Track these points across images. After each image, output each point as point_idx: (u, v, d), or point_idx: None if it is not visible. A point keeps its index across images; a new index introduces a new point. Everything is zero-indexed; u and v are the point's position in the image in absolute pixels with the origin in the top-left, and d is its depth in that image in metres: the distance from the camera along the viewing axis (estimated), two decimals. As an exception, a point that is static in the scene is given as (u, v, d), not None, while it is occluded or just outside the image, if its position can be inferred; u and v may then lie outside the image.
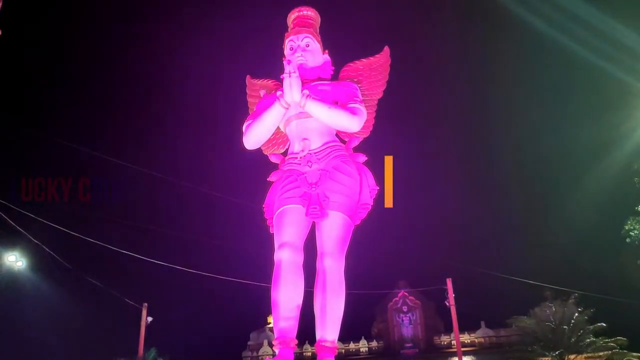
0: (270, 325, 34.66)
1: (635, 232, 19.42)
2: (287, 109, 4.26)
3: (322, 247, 4.08)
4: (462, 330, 34.74)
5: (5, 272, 19.47)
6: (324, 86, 4.47)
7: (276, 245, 4.12)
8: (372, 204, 4.39)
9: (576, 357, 29.03)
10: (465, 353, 35.62)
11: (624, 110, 19.70)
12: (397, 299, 42.80)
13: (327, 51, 4.75)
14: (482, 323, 40.73)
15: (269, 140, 4.71)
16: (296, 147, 4.41)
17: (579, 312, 28.66)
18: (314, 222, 4.19)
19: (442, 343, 40.75)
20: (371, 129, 4.75)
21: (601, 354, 29.48)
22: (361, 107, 4.37)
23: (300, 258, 4.08)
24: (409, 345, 41.11)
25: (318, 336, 3.93)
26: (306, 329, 4.20)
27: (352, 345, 42.11)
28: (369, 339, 42.92)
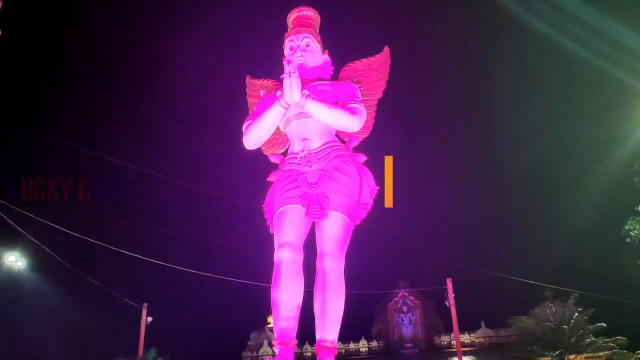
0: (270, 325, 34.65)
1: (635, 232, 19.43)
2: (287, 109, 4.26)
3: (322, 247, 4.08)
4: (462, 330, 34.76)
5: (5, 272, 19.47)
6: (323, 86, 4.47)
7: (276, 245, 4.12)
8: (372, 204, 4.38)
9: (576, 357, 29.05)
10: (465, 353, 35.63)
11: (624, 110, 19.71)
12: (397, 299, 42.83)
13: (327, 51, 4.75)
14: (482, 323, 40.77)
15: (269, 140, 4.71)
16: (296, 147, 4.40)
17: (579, 312, 28.69)
18: (314, 222, 4.19)
19: (442, 343, 40.77)
20: (371, 129, 4.74)
21: (601, 354, 29.51)
22: (361, 107, 4.37)
23: (300, 258, 4.07)
24: (409, 345, 41.14)
25: (318, 336, 3.93)
26: (306, 329, 4.20)
27: (352, 345, 42.14)
28: (369, 339, 42.95)
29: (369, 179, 4.42)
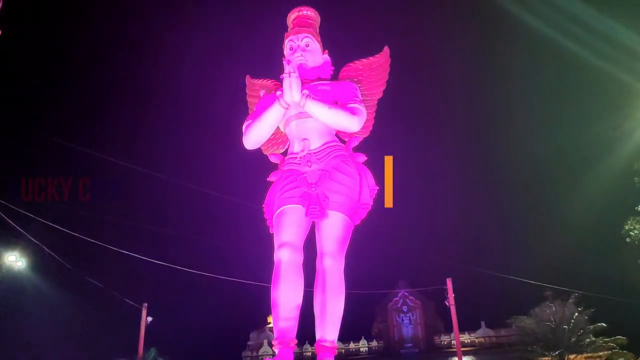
0: (270, 325, 34.65)
1: (635, 232, 19.43)
2: (287, 109, 4.26)
3: (322, 247, 4.08)
4: (462, 330, 34.78)
5: (5, 272, 19.48)
6: (323, 86, 4.46)
7: (276, 245, 4.12)
8: (372, 204, 4.38)
9: (576, 357, 29.07)
10: (465, 353, 35.64)
11: (624, 110, 19.73)
12: (397, 299, 42.85)
13: (327, 51, 4.74)
14: (482, 323, 40.80)
15: (269, 140, 4.70)
16: (296, 147, 4.40)
17: (579, 312, 28.71)
18: (313, 222, 4.19)
19: (442, 343, 40.79)
20: (371, 129, 4.74)
21: (601, 353, 29.53)
22: (361, 107, 4.36)
23: (300, 258, 4.07)
24: (409, 345, 41.16)
25: (318, 336, 3.93)
26: (306, 329, 4.20)
27: (352, 345, 42.16)
28: (369, 339, 42.97)
29: (369, 179, 4.42)
